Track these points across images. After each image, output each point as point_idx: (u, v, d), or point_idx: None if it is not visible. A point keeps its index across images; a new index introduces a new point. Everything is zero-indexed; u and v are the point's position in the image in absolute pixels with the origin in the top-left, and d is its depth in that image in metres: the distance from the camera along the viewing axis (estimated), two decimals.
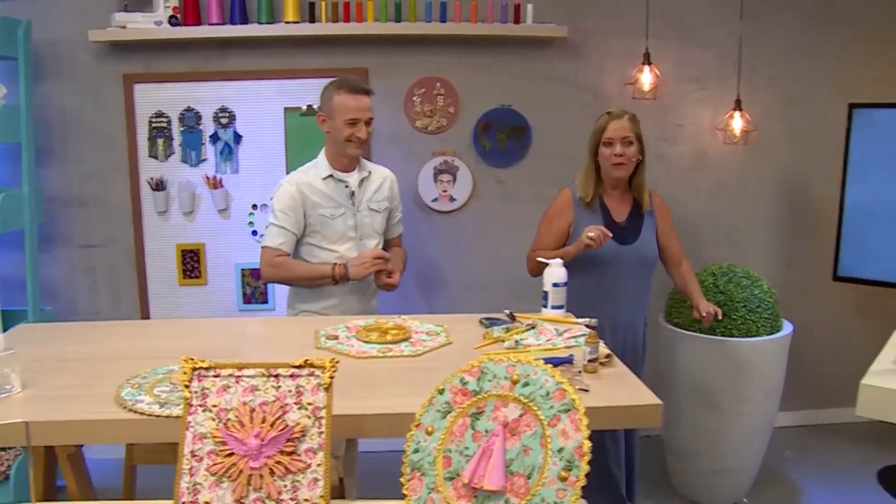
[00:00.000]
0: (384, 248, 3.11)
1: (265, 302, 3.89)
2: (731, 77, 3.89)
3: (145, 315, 3.88)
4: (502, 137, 3.87)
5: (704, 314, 3.05)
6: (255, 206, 3.82)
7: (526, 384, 1.51)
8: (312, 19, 3.62)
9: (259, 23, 3.60)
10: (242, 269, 3.86)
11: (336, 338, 2.39)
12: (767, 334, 3.42)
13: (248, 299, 3.90)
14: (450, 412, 1.57)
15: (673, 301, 3.59)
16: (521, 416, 1.49)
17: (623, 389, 2.01)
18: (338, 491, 2.42)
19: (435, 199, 3.89)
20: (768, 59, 3.98)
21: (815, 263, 4.09)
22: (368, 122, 2.93)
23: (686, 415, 3.53)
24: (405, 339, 2.35)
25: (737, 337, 3.39)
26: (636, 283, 3.06)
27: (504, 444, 1.48)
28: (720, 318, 3.11)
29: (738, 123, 3.81)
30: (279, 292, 3.76)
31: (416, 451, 1.57)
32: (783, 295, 3.77)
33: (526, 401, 1.50)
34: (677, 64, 3.92)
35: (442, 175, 3.88)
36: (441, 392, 1.60)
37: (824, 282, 3.96)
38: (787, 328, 3.51)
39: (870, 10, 4.01)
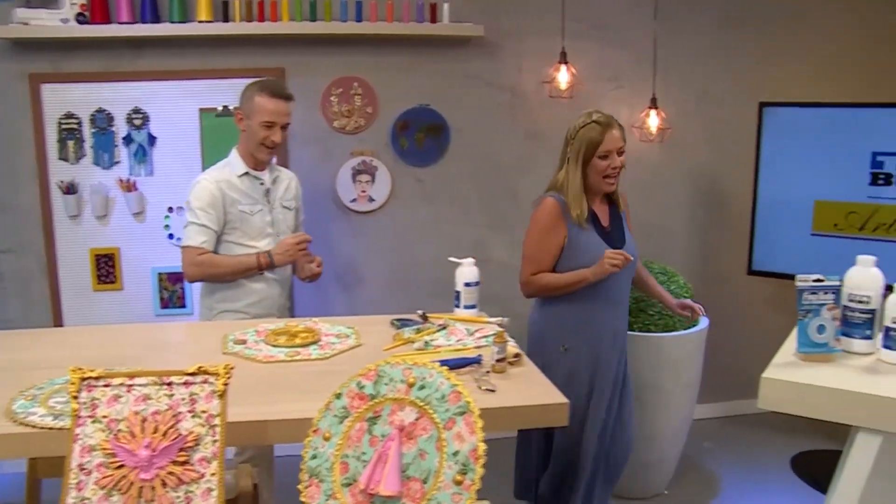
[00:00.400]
0: None
1: (183, 306, 3.82)
2: (646, 76, 3.95)
3: (58, 323, 3.76)
4: (421, 137, 3.86)
5: (689, 311, 3.11)
6: (170, 209, 3.73)
7: (422, 387, 1.51)
8: (226, 18, 3.56)
9: (171, 22, 3.52)
10: (159, 274, 3.78)
11: (244, 342, 2.35)
12: (684, 329, 3.48)
13: (165, 304, 3.82)
14: (347, 417, 1.55)
15: None
16: (417, 419, 1.49)
17: (530, 389, 2.02)
18: (252, 498, 2.38)
19: (354, 200, 3.86)
20: (682, 59, 4.06)
21: (731, 258, 4.19)
22: (284, 127, 2.94)
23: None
24: (314, 343, 2.33)
25: (655, 332, 3.44)
26: (628, 285, 3.02)
27: (400, 448, 1.47)
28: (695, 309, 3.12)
29: (653, 121, 3.87)
30: (197, 295, 3.70)
31: (314, 457, 1.55)
32: (700, 289, 3.85)
33: (422, 404, 1.49)
34: (594, 63, 3.96)
35: (360, 175, 3.85)
36: (338, 396, 1.58)
37: (739, 276, 4.05)
38: (703, 322, 3.57)
39: (778, 11, 4.13)
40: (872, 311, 2.05)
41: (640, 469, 3.58)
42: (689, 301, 3.15)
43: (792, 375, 1.95)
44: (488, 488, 1.56)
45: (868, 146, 3.69)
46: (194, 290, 3.69)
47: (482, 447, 1.42)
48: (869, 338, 2.07)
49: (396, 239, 3.95)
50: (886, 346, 2.02)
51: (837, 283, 2.07)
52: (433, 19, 3.68)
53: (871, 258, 2.09)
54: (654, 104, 3.86)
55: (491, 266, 4.00)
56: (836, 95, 4.07)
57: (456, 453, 1.43)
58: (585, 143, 2.80)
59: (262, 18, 3.57)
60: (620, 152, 2.82)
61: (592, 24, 3.94)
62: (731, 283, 4.26)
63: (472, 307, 2.58)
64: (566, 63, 3.76)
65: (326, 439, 1.55)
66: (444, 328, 2.41)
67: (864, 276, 2.07)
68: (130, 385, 1.56)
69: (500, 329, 2.15)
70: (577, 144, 2.82)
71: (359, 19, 3.63)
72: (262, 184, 2.99)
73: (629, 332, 3.40)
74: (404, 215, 3.94)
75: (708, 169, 4.22)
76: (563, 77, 3.78)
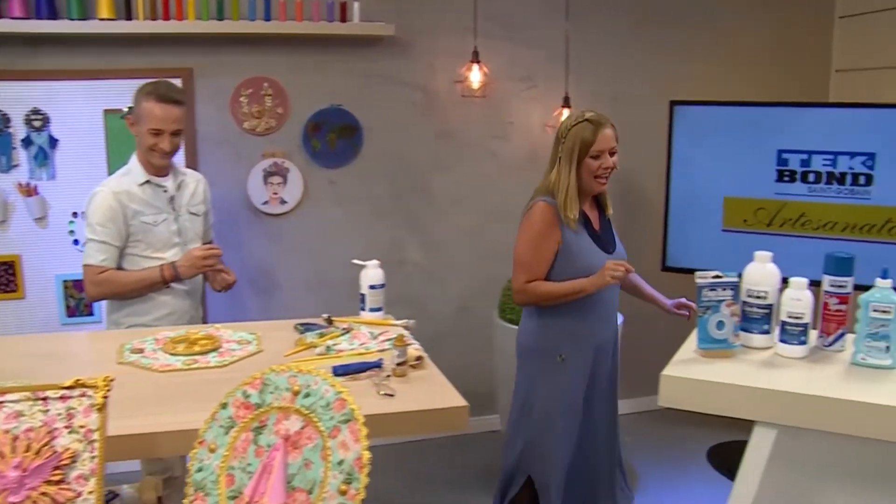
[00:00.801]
0: None
1: (90, 314, 3.69)
2: (559, 75, 3.97)
3: None
4: (333, 138, 3.81)
5: (685, 310, 3.06)
6: (75, 215, 3.61)
7: (307, 395, 1.47)
8: (129, 16, 3.45)
9: (70, 18, 3.40)
10: (64, 281, 3.65)
11: (141, 351, 2.28)
12: None
13: (72, 312, 3.69)
14: (232, 427, 1.51)
15: (506, 297, 3.62)
16: (302, 428, 1.45)
17: (430, 393, 2.00)
18: None
19: (265, 202, 3.79)
20: (595, 59, 4.10)
21: (646, 255, 4.22)
22: (176, 133, 2.81)
23: None
24: (214, 350, 2.27)
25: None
26: (618, 290, 2.98)
27: (285, 458, 1.43)
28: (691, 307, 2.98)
29: None
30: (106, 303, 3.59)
31: (200, 469, 1.50)
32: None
33: (307, 412, 1.46)
34: (507, 62, 3.97)
35: (272, 177, 3.78)
36: (224, 406, 1.53)
37: (654, 272, 4.09)
38: (617, 319, 3.60)
39: (689, 12, 4.20)
40: (770, 306, 2.09)
41: None
42: (684, 300, 3.05)
43: (691, 372, 1.98)
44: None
45: (774, 144, 3.78)
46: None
47: (367, 455, 1.39)
48: (767, 332, 2.11)
49: (310, 241, 3.90)
50: (783, 340, 2.05)
51: (735, 279, 2.10)
52: (343, 18, 3.64)
53: (768, 254, 2.12)
54: (566, 103, 3.88)
55: (407, 267, 3.99)
56: (746, 94, 4.16)
57: (341, 462, 1.39)
58: (578, 143, 2.71)
59: (167, 17, 3.47)
60: (613, 152, 2.76)
61: (505, 24, 3.94)
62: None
63: (378, 310, 2.55)
64: (478, 62, 3.76)
65: (212, 451, 1.50)
66: (348, 332, 2.37)
67: (761, 272, 2.11)
68: (1, 402, 1.49)
69: (401, 332, 2.12)
70: (568, 143, 2.74)
71: (267, 18, 3.57)
72: (165, 191, 2.87)
73: None
74: (317, 217, 3.88)
75: (623, 167, 4.21)
76: (475, 76, 3.77)
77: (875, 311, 1.93)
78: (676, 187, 3.92)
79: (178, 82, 3.51)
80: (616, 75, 4.15)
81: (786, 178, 3.76)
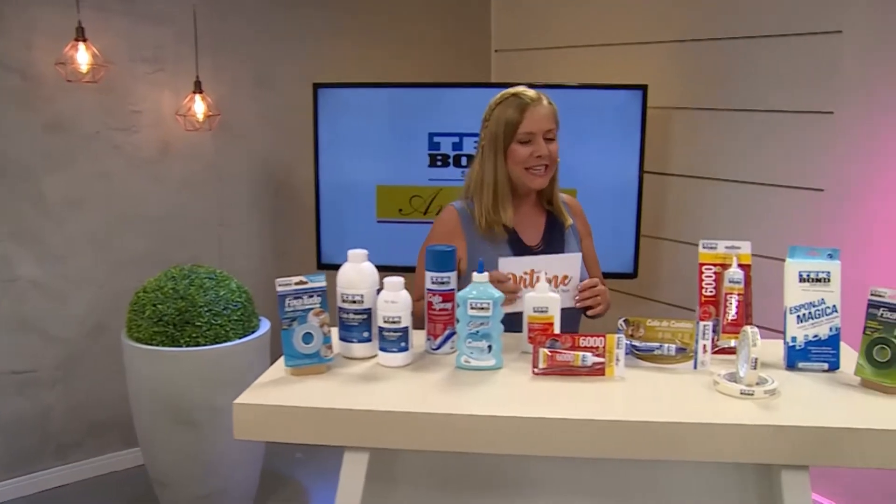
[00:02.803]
0: None
1: None
2: (190, 57, 3.51)
3: None
4: None
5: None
6: None
7: None
8: None
9: None
10: None
11: None
12: (239, 337, 3.11)
13: None
14: None
15: (133, 312, 3.12)
16: None
17: None
18: None
19: None
20: (231, 39, 3.68)
21: (301, 252, 3.89)
22: None
23: (161, 439, 3.11)
24: None
25: (204, 345, 3.03)
26: (569, 326, 2.05)
27: None
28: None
29: (199, 107, 3.45)
30: None
31: None
32: (268, 291, 3.49)
33: None
34: (125, 41, 3.42)
35: None
36: None
37: (310, 271, 3.77)
38: (263, 326, 3.24)
39: None
40: (368, 311, 1.81)
41: (214, 498, 3.18)
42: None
43: (269, 397, 1.65)
44: None
45: (425, 127, 3.60)
46: None
47: None
48: (368, 340, 1.83)
49: None
50: (382, 349, 1.80)
51: (322, 283, 1.79)
52: None
53: (363, 252, 1.85)
54: (198, 88, 3.44)
55: (20, 286, 3.35)
56: (408, 76, 3.96)
57: None
58: (502, 125, 2.16)
59: None
60: (549, 137, 2.18)
61: None
62: None
63: None
64: (84, 40, 3.19)
65: None
66: None
67: (355, 273, 1.83)
68: None
69: None
70: (491, 127, 2.19)
71: None
72: None
73: (170, 349, 2.99)
74: None
75: (271, 157, 3.89)
76: (82, 57, 3.20)
77: (473, 308, 1.71)
78: (325, 177, 3.63)
79: None
80: (258, 56, 3.76)
81: (438, 163, 3.59)
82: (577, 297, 2.10)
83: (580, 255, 2.14)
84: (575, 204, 2.43)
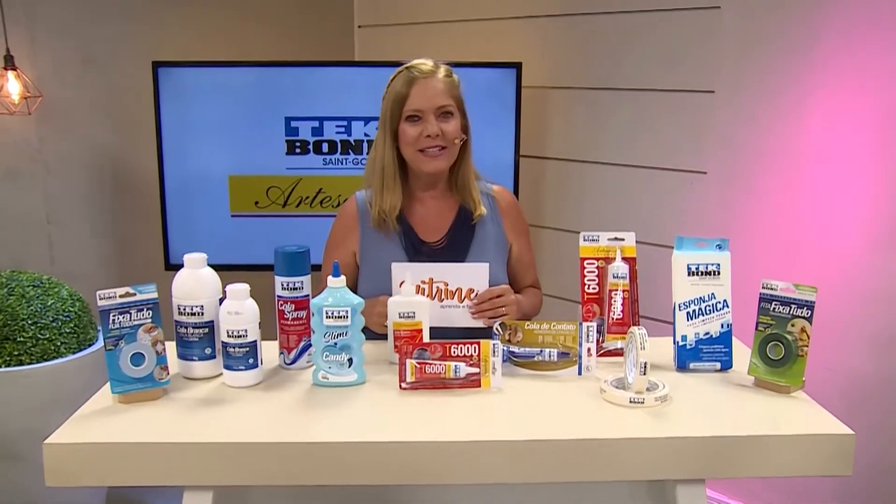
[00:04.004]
0: None
1: None
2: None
3: None
4: None
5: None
6: None
7: None
8: None
9: None
10: None
11: None
12: (73, 353, 2.71)
13: None
14: None
15: None
16: None
17: None
18: None
19: None
20: (55, 12, 3.22)
21: (149, 252, 3.48)
22: None
23: None
24: None
25: (29, 364, 2.61)
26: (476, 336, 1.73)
27: None
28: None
29: (14, 88, 2.99)
30: None
31: None
32: None
33: None
34: None
35: None
36: None
37: (158, 273, 3.37)
38: (100, 340, 2.84)
39: None
40: (210, 324, 1.50)
41: None
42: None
43: (90, 433, 1.36)
44: None
45: (282, 111, 3.26)
46: None
47: None
48: (211, 357, 1.52)
49: None
50: (227, 367, 1.51)
51: (153, 295, 1.47)
52: None
53: (202, 256, 1.53)
54: (10, 64, 2.98)
55: None
56: (266, 55, 3.59)
57: None
58: (389, 102, 1.93)
59: None
60: (444, 112, 1.92)
61: None
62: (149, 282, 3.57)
63: None
64: None
65: None
66: None
67: (193, 281, 1.52)
68: None
69: None
70: (383, 105, 1.97)
71: None
72: None
73: None
74: None
75: (108, 146, 3.45)
76: None
77: (329, 317, 1.44)
78: (171, 168, 3.23)
79: None
80: (85, 34, 3.30)
81: (297, 150, 3.27)
82: (473, 310, 1.83)
83: (487, 265, 1.86)
84: (505, 197, 2.14)
